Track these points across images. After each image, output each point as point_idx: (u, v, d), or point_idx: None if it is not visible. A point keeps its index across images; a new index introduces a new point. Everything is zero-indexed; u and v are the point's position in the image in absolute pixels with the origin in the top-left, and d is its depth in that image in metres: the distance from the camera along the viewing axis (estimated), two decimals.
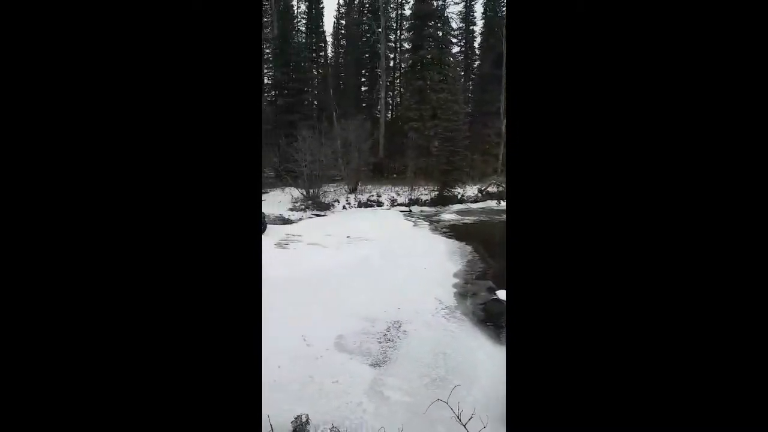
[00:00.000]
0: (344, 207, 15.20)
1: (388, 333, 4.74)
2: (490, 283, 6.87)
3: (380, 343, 4.50)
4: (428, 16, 21.75)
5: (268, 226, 9.36)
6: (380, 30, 23.76)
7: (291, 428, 2.85)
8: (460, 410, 2.24)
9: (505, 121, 24.38)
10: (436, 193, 17.89)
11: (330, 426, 3.02)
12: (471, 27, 27.11)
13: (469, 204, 17.67)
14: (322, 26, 27.02)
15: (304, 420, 2.91)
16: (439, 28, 22.37)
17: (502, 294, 6.19)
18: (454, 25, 25.15)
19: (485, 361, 4.12)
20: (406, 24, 25.17)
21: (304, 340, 4.49)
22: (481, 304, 5.94)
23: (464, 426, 2.04)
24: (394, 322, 5.04)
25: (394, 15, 26.09)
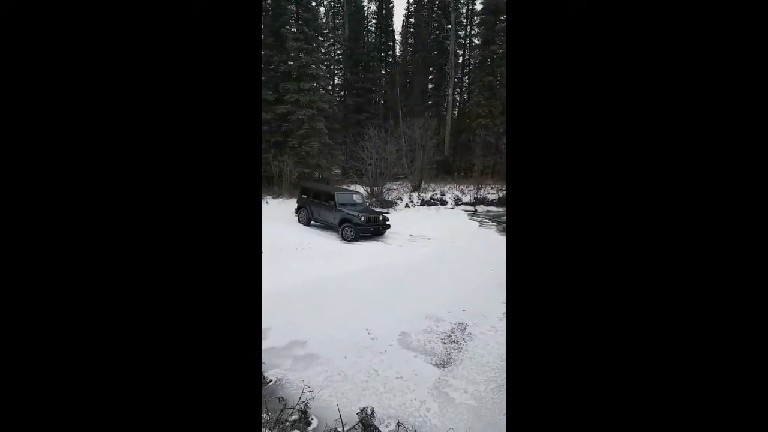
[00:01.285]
0: (407, 205, 15.23)
1: (452, 334, 4.67)
2: None
3: (444, 344, 4.44)
4: (500, 10, 20.94)
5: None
6: (450, 26, 23.39)
7: (357, 419, 2.92)
8: None
9: None
10: (504, 192, 17.18)
11: (396, 421, 3.04)
12: None
13: None
14: (391, 25, 27.32)
15: (369, 412, 2.97)
16: None
17: None
18: None
19: None
20: (476, 19, 24.49)
21: (368, 333, 4.58)
22: None
23: None
24: (459, 323, 4.94)
25: (464, 11, 25.50)
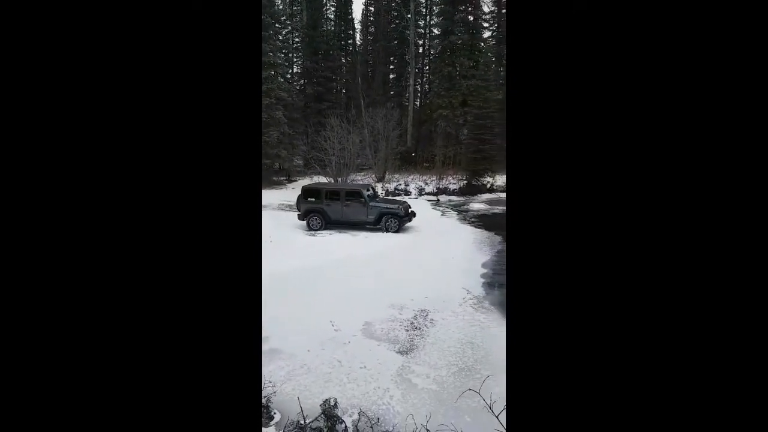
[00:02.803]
0: None
1: (415, 321, 4.74)
2: None
3: (408, 330, 4.51)
4: (459, 0, 21.14)
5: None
6: (409, 16, 23.35)
7: (320, 411, 2.91)
8: (492, 401, 2.21)
9: None
10: (465, 182, 17.61)
11: (358, 410, 3.06)
12: (503, 11, 26.14)
13: (498, 193, 17.28)
14: (351, 13, 26.88)
15: (332, 403, 2.97)
16: (470, 13, 21.74)
17: None
18: (485, 9, 24.32)
19: None
20: (436, 9, 24.60)
21: (332, 325, 4.56)
22: None
23: (497, 417, 2.01)
24: (422, 310, 5.03)
25: (423, 0, 25.50)
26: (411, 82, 23.95)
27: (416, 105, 25.02)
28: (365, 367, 3.73)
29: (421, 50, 26.39)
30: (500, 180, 18.21)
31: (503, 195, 16.98)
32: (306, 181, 16.43)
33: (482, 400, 2.38)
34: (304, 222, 9.73)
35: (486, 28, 24.66)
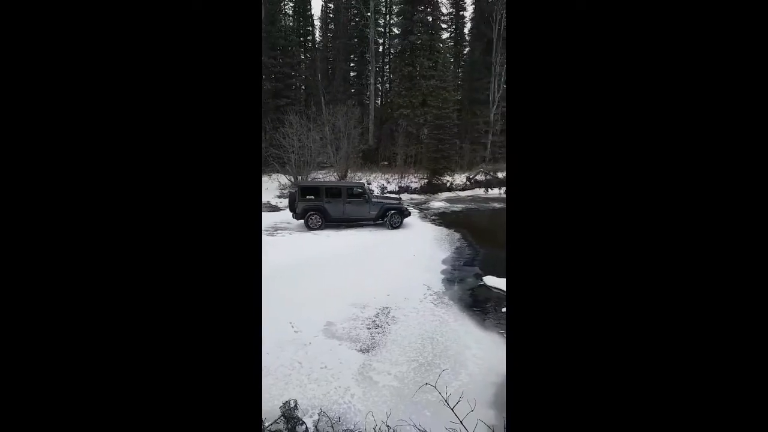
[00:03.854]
0: None
1: (377, 319, 4.77)
2: (477, 269, 6.94)
3: (369, 329, 4.53)
4: (418, 0, 21.41)
5: None
6: (369, 14, 23.33)
7: (280, 413, 2.85)
8: (447, 394, 2.27)
9: (494, 109, 24.37)
10: (426, 181, 17.90)
11: (318, 410, 3.04)
12: (461, 12, 26.81)
13: (457, 192, 17.74)
14: (309, 9, 26.43)
15: (292, 405, 2.92)
16: (428, 13, 22.08)
17: (488, 280, 6.26)
18: (444, 10, 24.82)
19: (472, 346, 4.18)
20: (395, 8, 24.76)
21: (292, 326, 4.48)
22: (469, 289, 6.00)
23: (452, 409, 2.07)
24: (383, 308, 5.07)
25: None
26: (372, 80, 23.95)
27: (377, 103, 25.07)
28: (326, 367, 3.70)
29: (381, 49, 26.45)
30: (459, 179, 18.69)
31: (462, 193, 17.45)
32: (264, 180, 15.99)
33: (446, 394, 2.44)
34: (300, 221, 9.50)
35: (444, 29, 25.18)
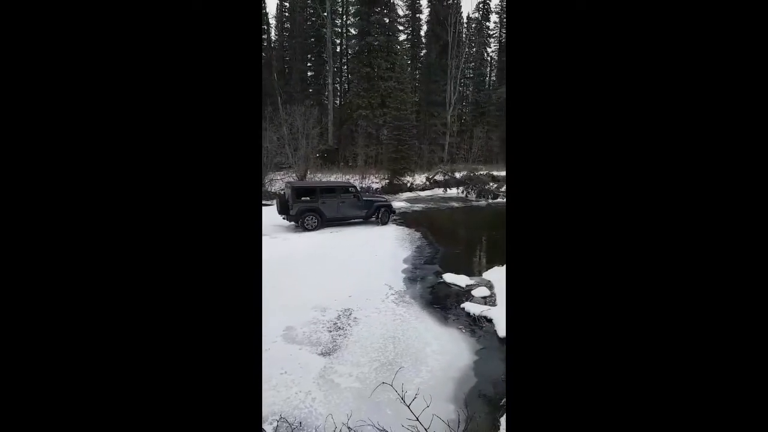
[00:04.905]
0: None
1: (338, 321, 4.73)
2: (437, 267, 7.09)
3: (330, 331, 4.48)
4: (375, 2, 21.50)
5: None
6: (326, 14, 23.13)
7: None
8: (404, 392, 2.30)
9: (450, 111, 24.96)
10: (387, 181, 18.02)
11: (278, 417, 2.97)
12: (417, 15, 27.24)
13: (417, 192, 18.02)
14: (265, 7, 25.75)
15: None
16: (385, 15, 22.25)
17: (448, 277, 6.41)
18: (400, 12, 25.09)
19: (432, 343, 4.26)
20: (352, 9, 24.71)
21: None
22: (429, 287, 6.11)
23: (408, 407, 2.10)
24: (345, 309, 5.04)
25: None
26: (330, 80, 23.76)
27: (336, 104, 24.90)
28: (286, 372, 3.63)
29: (338, 49, 26.31)
30: (419, 179, 18.99)
31: (422, 194, 17.75)
32: None
33: (402, 392, 2.47)
34: (293, 223, 9.49)
35: (401, 31, 25.46)
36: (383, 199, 10.66)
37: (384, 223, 10.23)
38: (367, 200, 10.26)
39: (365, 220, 10.18)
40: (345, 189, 10.03)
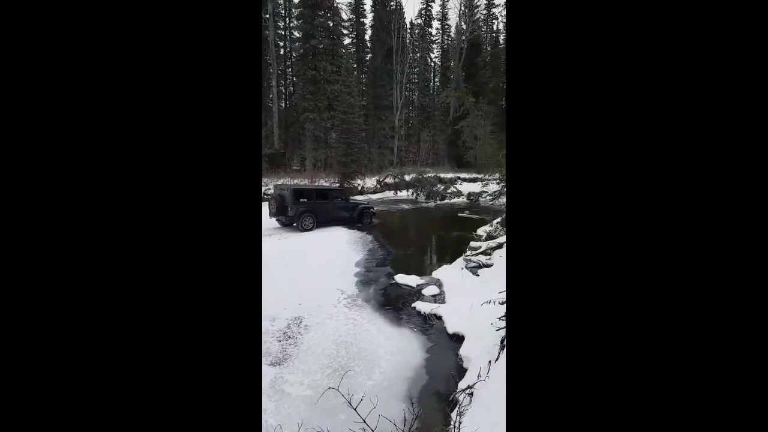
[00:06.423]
0: None
1: (288, 330, 4.61)
2: (389, 269, 7.15)
3: (280, 341, 4.35)
4: (318, 5, 21.34)
5: None
6: (268, 16, 22.57)
7: None
8: (350, 395, 2.29)
9: (398, 114, 25.35)
10: (337, 184, 17.89)
11: None
12: (361, 19, 27.42)
13: (369, 195, 18.08)
14: None
15: None
16: (329, 18, 22.16)
17: (399, 278, 6.49)
18: (344, 15, 25.10)
19: (385, 345, 4.28)
20: (294, 12, 24.33)
21: None
22: (381, 289, 6.14)
23: (355, 409, 2.09)
24: (295, 318, 4.92)
25: (281, 1, 24.95)
26: (274, 83, 23.18)
27: (281, 107, 24.33)
28: None
29: (282, 52, 25.77)
30: (369, 182, 19.07)
31: (373, 196, 17.84)
32: None
33: (354, 397, 2.45)
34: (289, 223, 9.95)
35: (346, 35, 25.47)
36: (365, 203, 11.49)
37: (368, 224, 11.04)
38: (353, 204, 11.09)
39: (354, 222, 10.98)
40: (335, 193, 10.95)
